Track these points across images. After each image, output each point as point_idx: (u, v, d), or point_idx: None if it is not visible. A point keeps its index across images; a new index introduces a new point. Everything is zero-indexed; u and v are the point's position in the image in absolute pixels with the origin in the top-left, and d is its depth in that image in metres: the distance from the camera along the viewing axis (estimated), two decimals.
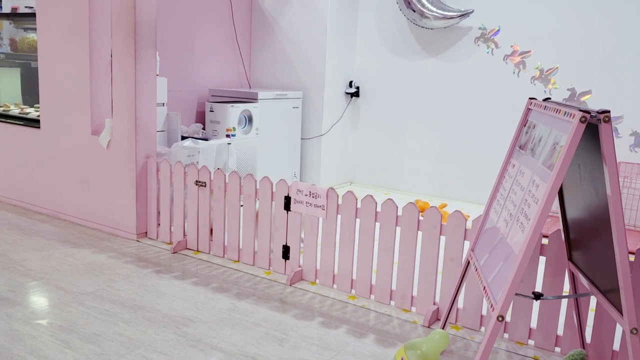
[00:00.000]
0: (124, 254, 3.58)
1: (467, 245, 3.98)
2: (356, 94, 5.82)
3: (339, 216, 3.96)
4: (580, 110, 1.71)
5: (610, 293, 1.93)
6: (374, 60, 5.71)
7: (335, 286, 3.16)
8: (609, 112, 1.70)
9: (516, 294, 1.94)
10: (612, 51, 4.56)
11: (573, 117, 1.74)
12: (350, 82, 5.81)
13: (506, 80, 5.05)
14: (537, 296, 2.03)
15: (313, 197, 3.10)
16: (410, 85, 5.55)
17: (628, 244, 4.01)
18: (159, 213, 3.85)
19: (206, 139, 4.62)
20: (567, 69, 4.77)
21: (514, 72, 5.01)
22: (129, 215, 3.87)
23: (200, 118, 5.40)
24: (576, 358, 1.92)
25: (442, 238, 3.91)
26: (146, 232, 3.92)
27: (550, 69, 4.84)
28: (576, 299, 2.37)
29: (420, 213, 4.50)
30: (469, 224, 4.62)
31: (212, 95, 5.30)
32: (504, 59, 5.05)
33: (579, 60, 4.71)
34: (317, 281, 3.22)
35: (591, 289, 2.09)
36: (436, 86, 5.41)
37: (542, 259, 3.23)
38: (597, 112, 1.71)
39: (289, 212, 3.22)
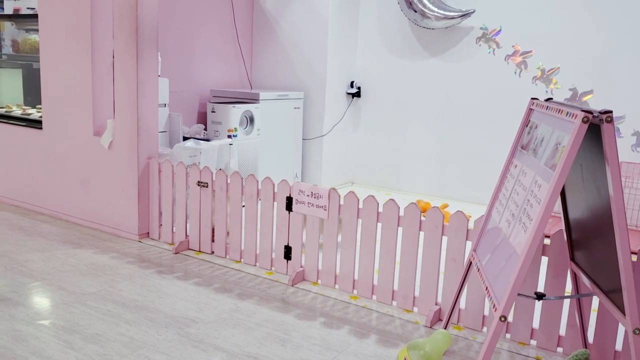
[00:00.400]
0: (126, 255, 3.58)
1: (469, 245, 3.97)
2: (357, 95, 5.82)
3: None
4: (583, 111, 1.71)
5: (612, 293, 1.93)
6: (375, 61, 5.71)
7: (337, 286, 3.16)
8: (611, 112, 1.70)
9: (518, 294, 1.94)
10: (614, 51, 4.56)
11: (575, 118, 1.74)
12: (352, 83, 5.81)
13: (508, 80, 5.05)
14: (540, 296, 2.03)
15: (315, 197, 3.10)
16: (412, 86, 5.55)
17: (630, 244, 4.00)
18: (160, 214, 3.85)
19: (208, 140, 4.63)
20: (569, 69, 4.77)
21: (515, 72, 5.01)
22: (130, 216, 3.88)
23: (202, 119, 5.40)
24: (580, 358, 1.92)
25: (444, 238, 3.91)
26: (148, 233, 3.93)
27: (552, 69, 4.84)
28: (578, 299, 2.37)
29: (422, 213, 4.50)
30: (470, 224, 4.62)
31: (214, 96, 5.30)
32: (505, 59, 5.05)
33: (581, 60, 4.71)
34: (319, 281, 3.22)
35: (593, 289, 2.09)
36: (437, 86, 5.41)
37: (545, 259, 3.23)
38: (600, 112, 1.71)
39: (290, 212, 3.22)
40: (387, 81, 5.67)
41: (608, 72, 4.60)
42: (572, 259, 2.36)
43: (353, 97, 5.85)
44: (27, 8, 4.61)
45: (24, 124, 4.50)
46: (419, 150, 5.60)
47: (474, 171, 5.33)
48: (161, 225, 3.85)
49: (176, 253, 3.64)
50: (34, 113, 4.64)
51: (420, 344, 2.24)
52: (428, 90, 5.47)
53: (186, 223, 3.72)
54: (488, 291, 2.03)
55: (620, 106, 4.58)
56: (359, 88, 5.82)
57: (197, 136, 4.84)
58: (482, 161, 5.26)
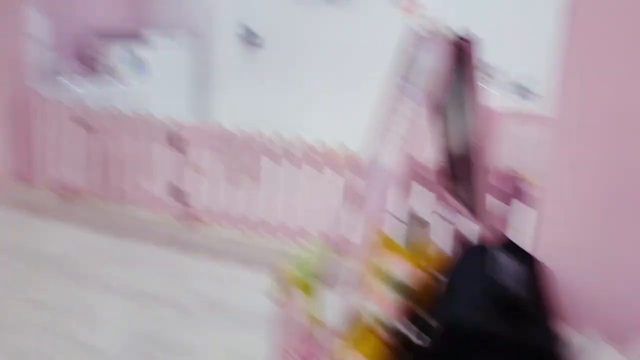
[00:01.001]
0: (1, 200, 3.34)
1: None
2: (256, 44, 5.70)
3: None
4: (448, 35, 1.80)
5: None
6: (273, 7, 5.60)
7: (227, 225, 3.16)
8: (473, 35, 1.81)
9: None
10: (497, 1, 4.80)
11: (442, 42, 1.84)
12: (248, 31, 5.68)
13: (399, 25, 5.16)
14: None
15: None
16: (309, 35, 5.52)
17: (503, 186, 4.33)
18: (39, 156, 3.60)
19: (92, 81, 4.35)
20: (452, 16, 4.96)
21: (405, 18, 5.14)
22: (5, 159, 3.59)
23: (85, 59, 5.05)
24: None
25: None
26: (26, 176, 3.66)
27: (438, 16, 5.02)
28: None
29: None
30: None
31: (98, 35, 4.96)
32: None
33: (463, 5, 4.88)
34: (210, 221, 3.20)
35: None
36: (334, 35, 5.43)
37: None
38: (462, 35, 1.82)
39: (179, 152, 3.15)
40: (285, 29, 5.60)
41: (487, 20, 4.84)
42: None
43: (250, 46, 5.73)
44: None
45: None
46: (316, 99, 5.63)
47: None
48: (39, 168, 3.61)
49: (59, 197, 3.45)
50: None
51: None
52: (324, 40, 5.47)
53: (68, 166, 3.52)
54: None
55: (496, 55, 4.84)
56: (256, 36, 5.70)
57: (79, 77, 4.53)
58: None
